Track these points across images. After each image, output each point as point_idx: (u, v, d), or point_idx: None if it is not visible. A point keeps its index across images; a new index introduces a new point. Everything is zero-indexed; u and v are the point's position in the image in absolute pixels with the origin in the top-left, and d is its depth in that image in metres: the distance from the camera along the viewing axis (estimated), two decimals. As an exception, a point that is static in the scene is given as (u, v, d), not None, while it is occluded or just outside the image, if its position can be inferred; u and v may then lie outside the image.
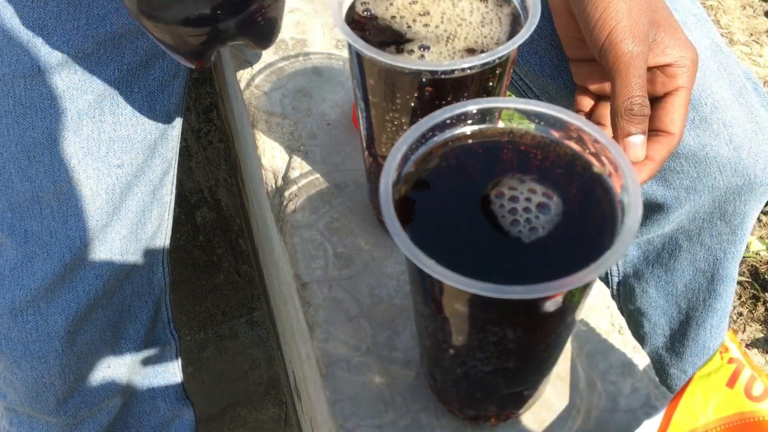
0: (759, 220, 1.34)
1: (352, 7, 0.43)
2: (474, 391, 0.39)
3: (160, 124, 0.74)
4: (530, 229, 0.33)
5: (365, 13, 0.42)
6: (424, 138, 0.35)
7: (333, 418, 0.43)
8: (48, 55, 0.65)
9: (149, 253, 0.77)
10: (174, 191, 0.80)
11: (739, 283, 1.27)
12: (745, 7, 1.66)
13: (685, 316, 0.90)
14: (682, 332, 0.90)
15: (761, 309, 1.24)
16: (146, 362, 0.81)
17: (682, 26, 0.71)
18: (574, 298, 0.33)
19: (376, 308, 0.49)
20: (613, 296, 0.96)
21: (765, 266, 1.28)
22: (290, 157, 0.58)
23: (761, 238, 1.31)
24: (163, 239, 0.79)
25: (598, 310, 0.49)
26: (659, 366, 0.92)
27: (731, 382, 0.38)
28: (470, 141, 0.36)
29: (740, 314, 1.25)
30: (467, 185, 0.35)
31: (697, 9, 0.75)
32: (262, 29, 0.45)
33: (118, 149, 0.70)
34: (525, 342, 0.34)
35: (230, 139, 1.21)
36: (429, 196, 0.34)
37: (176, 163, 0.79)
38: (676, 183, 0.76)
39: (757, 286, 1.26)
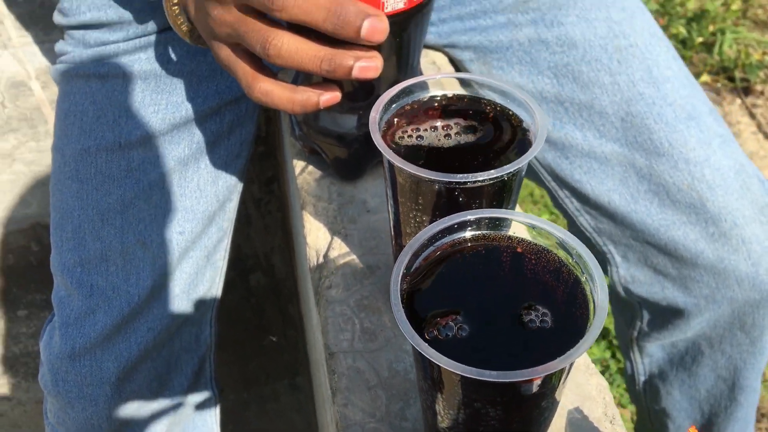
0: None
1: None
2: (466, 462, 0.44)
3: (220, 197, 0.81)
4: (518, 324, 0.39)
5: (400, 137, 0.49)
6: (433, 239, 0.42)
7: (344, 477, 0.49)
8: (129, 133, 0.74)
9: (198, 313, 0.83)
10: (227, 257, 0.87)
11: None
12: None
13: (708, 421, 0.92)
14: None
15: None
16: (186, 414, 0.87)
17: (707, 147, 0.76)
18: (549, 383, 0.38)
19: (392, 380, 0.54)
20: (638, 393, 0.99)
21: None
22: (332, 238, 0.65)
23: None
24: (212, 301, 0.86)
25: (594, 400, 0.53)
26: None
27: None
28: (470, 244, 0.42)
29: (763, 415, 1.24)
30: (466, 282, 0.41)
31: (724, 130, 0.79)
32: None
33: (181, 218, 0.78)
34: (506, 419, 0.39)
35: (287, 209, 1.29)
36: (432, 288, 0.40)
37: (231, 231, 0.86)
38: (696, 291, 0.80)
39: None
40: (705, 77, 2.14)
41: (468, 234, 0.42)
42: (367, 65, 0.52)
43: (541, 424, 0.42)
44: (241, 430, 1.31)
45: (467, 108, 0.51)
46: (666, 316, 0.85)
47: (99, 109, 0.74)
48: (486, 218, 0.42)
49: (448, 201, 0.46)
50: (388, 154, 0.45)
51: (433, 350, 0.36)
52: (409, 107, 0.51)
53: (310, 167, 0.70)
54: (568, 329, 0.39)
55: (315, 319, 0.64)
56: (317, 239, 0.65)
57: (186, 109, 0.75)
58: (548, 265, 0.41)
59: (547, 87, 0.77)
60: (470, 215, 0.41)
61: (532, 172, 0.84)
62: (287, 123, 0.75)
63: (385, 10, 0.53)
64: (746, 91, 2.12)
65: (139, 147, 0.74)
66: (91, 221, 0.75)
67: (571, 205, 0.82)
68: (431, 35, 0.81)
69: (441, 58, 0.82)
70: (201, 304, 0.83)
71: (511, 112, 0.50)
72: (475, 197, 0.46)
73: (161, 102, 0.74)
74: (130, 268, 0.75)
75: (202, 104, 0.76)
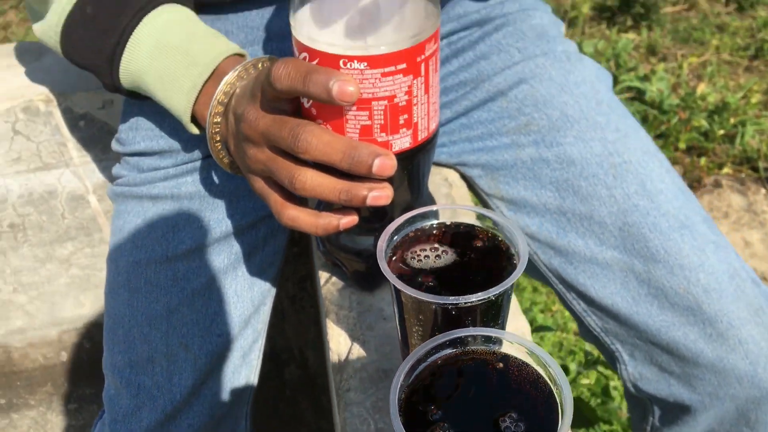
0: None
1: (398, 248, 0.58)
2: None
3: (255, 302, 0.90)
4: (496, 430, 0.46)
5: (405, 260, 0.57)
6: (429, 354, 0.49)
7: None
8: (176, 247, 0.83)
9: (235, 408, 0.90)
10: (261, 356, 0.94)
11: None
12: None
13: None
14: None
15: None
16: (222, 504, 0.92)
17: (700, 253, 0.82)
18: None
19: (403, 477, 0.60)
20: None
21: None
22: (351, 344, 0.72)
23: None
24: (248, 396, 0.93)
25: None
26: None
27: None
28: (460, 358, 0.49)
29: None
30: (455, 392, 0.48)
31: (717, 237, 0.85)
32: None
33: (220, 322, 0.86)
34: None
35: (320, 306, 1.37)
36: (426, 398, 0.47)
37: (265, 332, 0.94)
38: (700, 388, 0.84)
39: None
40: (728, 168, 2.20)
41: (459, 349, 0.49)
42: (379, 194, 0.61)
43: None
44: None
45: (463, 234, 0.59)
46: (675, 412, 0.90)
47: (150, 226, 0.84)
48: (476, 335, 0.49)
49: (445, 318, 0.54)
50: (392, 279, 0.53)
51: (423, 453, 0.43)
52: (412, 234, 0.59)
53: (333, 278, 0.78)
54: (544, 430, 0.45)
55: (336, 419, 0.71)
56: (339, 344, 0.72)
57: (226, 225, 0.85)
58: (528, 377, 0.48)
59: (549, 200, 0.85)
60: (459, 333, 0.48)
61: (541, 276, 0.91)
62: (314, 239, 0.84)
63: (393, 150, 0.62)
64: (770, 181, 2.16)
65: (184, 259, 0.83)
66: (140, 326, 0.83)
67: (579, 306, 0.88)
68: (443, 155, 0.90)
69: (453, 175, 0.90)
70: (237, 400, 0.90)
71: (500, 238, 0.58)
72: (467, 314, 0.53)
73: (204, 219, 0.84)
74: (174, 369, 0.83)
75: (240, 220, 0.85)
